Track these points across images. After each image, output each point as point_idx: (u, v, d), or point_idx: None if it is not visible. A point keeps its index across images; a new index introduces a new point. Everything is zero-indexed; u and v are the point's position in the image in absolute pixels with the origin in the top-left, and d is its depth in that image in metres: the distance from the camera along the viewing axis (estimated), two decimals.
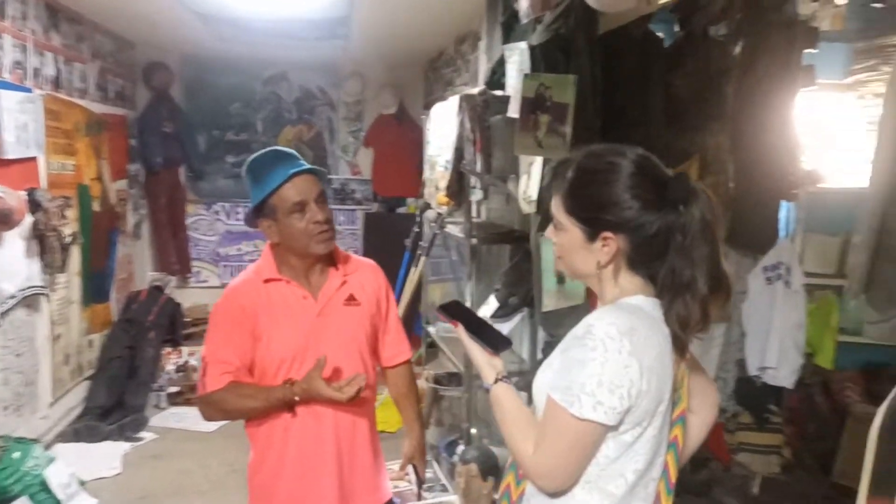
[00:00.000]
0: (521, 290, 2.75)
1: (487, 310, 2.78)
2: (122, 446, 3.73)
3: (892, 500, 1.14)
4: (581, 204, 1.16)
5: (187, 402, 4.39)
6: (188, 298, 5.56)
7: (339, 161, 6.09)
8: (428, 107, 5.93)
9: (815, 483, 3.30)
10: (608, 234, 1.13)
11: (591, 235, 1.15)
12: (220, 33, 4.79)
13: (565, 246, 1.20)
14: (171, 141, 5.46)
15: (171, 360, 4.87)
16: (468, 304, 2.95)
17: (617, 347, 1.06)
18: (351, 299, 1.71)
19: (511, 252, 2.93)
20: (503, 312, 2.79)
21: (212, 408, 1.66)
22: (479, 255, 2.99)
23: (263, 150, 1.70)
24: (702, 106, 2.96)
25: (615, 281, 1.17)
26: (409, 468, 1.90)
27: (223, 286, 5.66)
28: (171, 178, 5.54)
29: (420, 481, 1.94)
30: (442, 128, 3.25)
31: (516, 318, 2.90)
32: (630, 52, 2.81)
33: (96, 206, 4.33)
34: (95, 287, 4.30)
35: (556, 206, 1.20)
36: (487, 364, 1.29)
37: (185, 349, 4.98)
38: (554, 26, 2.43)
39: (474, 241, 2.92)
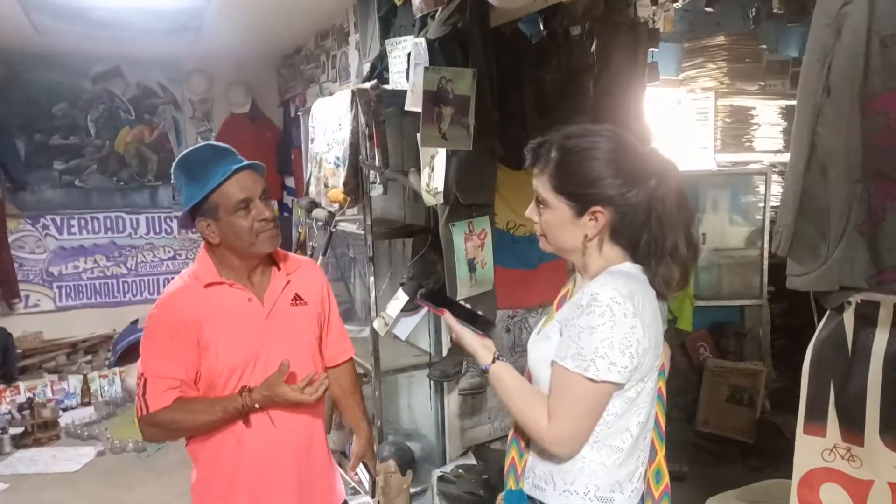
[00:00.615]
0: (428, 281, 2.78)
1: (397, 303, 2.78)
2: None
3: (824, 424, 1.34)
4: (570, 181, 1.22)
5: (37, 443, 3.86)
6: (17, 327, 4.85)
7: None
8: (283, 104, 5.74)
9: (682, 431, 3.72)
10: (597, 208, 1.20)
11: (580, 211, 1.22)
12: (37, 23, 4.22)
13: (552, 223, 1.26)
14: None
15: (6, 398, 4.24)
16: (373, 298, 2.93)
17: (622, 311, 1.14)
18: (297, 299, 1.65)
19: (414, 244, 2.94)
20: (412, 305, 2.81)
21: (158, 428, 1.50)
22: (376, 250, 2.97)
23: (197, 146, 1.58)
24: (567, 99, 3.21)
25: (599, 252, 1.25)
26: (360, 466, 1.87)
27: (59, 309, 5.18)
28: None
29: (372, 479, 1.91)
30: (327, 124, 3.16)
31: (423, 310, 2.93)
32: (503, 48, 2.95)
33: None
34: None
35: (542, 186, 1.25)
36: (481, 346, 1.32)
37: (22, 384, 4.36)
38: (451, 21, 2.48)
39: (372, 237, 2.89)
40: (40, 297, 5.22)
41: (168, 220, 5.59)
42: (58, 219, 5.22)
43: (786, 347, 4.21)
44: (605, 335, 1.13)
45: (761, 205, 4.19)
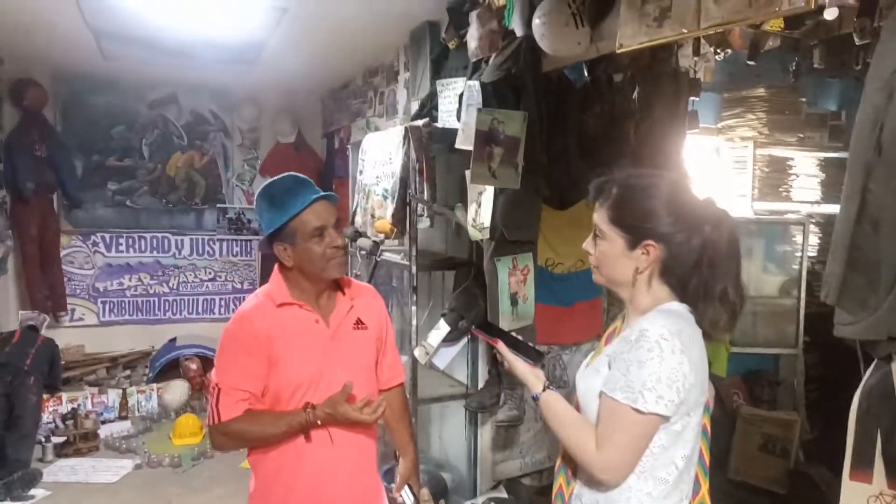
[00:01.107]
0: (470, 313, 2.85)
1: (439, 333, 2.85)
2: None
3: (871, 471, 1.38)
4: (626, 215, 1.30)
5: (77, 453, 3.96)
6: (61, 339, 4.98)
7: (235, 189, 5.86)
8: (327, 136, 5.94)
9: (713, 478, 3.67)
10: (650, 242, 1.28)
11: (633, 244, 1.30)
12: (105, 49, 4.47)
13: (606, 253, 1.34)
14: (44, 166, 4.96)
15: (49, 408, 4.38)
16: (414, 327, 3.01)
17: (670, 347, 1.21)
18: (359, 323, 1.74)
19: (457, 277, 3.03)
20: (453, 336, 2.88)
21: (228, 437, 1.59)
22: (419, 280, 3.06)
23: (281, 176, 1.69)
24: (609, 144, 3.30)
25: (648, 288, 1.32)
26: (405, 489, 1.92)
27: (102, 324, 5.35)
28: (42, 206, 5.01)
29: (417, 500, 1.96)
30: (377, 157, 3.30)
31: (462, 342, 3.00)
32: (550, 93, 3.07)
33: None
34: None
35: (601, 218, 1.34)
36: (532, 375, 1.39)
37: (64, 395, 4.50)
38: (505, 66, 2.61)
39: (415, 268, 2.98)
40: (85, 311, 5.42)
41: (211, 243, 5.77)
42: (107, 236, 5.44)
43: (819, 399, 4.16)
44: (653, 369, 1.20)
45: (798, 254, 4.20)
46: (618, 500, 1.28)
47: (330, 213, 1.64)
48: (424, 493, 2.87)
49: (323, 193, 1.64)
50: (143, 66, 4.89)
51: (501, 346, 1.43)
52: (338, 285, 1.75)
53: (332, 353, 1.66)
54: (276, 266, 1.71)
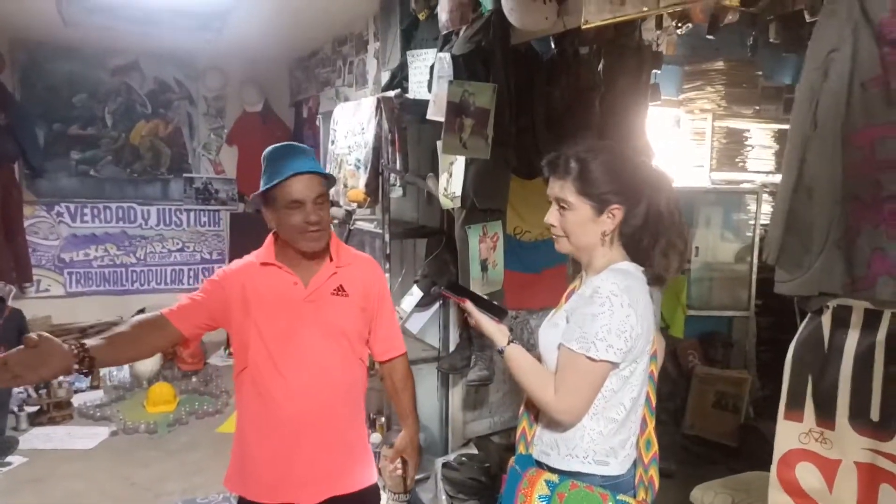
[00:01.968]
0: (442, 279, 2.97)
1: (412, 299, 2.96)
2: None
3: (802, 411, 1.55)
4: (591, 184, 1.43)
5: (51, 422, 3.99)
6: (27, 311, 4.94)
7: (201, 159, 5.82)
8: (295, 105, 5.92)
9: (670, 434, 3.92)
10: (615, 206, 1.41)
11: (600, 210, 1.43)
12: (66, 16, 4.37)
13: (575, 222, 1.46)
14: (4, 134, 4.84)
15: None
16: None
17: (619, 302, 1.36)
18: (339, 290, 1.80)
19: (428, 245, 3.13)
20: (426, 301, 2.99)
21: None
22: (392, 249, 3.15)
23: (286, 143, 1.78)
24: (574, 115, 3.40)
25: (608, 249, 1.45)
26: (398, 461, 1.96)
27: (69, 295, 5.32)
28: (4, 175, 4.90)
29: (406, 477, 1.97)
30: (349, 127, 3.35)
31: (434, 307, 3.12)
32: (518, 66, 3.15)
33: None
34: None
35: (566, 190, 1.45)
36: (498, 331, 1.52)
37: None
38: (475, 38, 2.68)
39: (388, 236, 3.08)
40: (51, 282, 5.37)
41: (178, 213, 5.74)
42: (72, 207, 5.37)
43: (770, 359, 4.42)
44: (604, 322, 1.34)
45: (752, 222, 4.42)
46: (573, 438, 1.43)
47: (312, 188, 1.69)
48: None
49: (311, 169, 1.69)
50: (105, 33, 4.78)
51: (469, 304, 1.55)
52: (328, 253, 1.81)
53: (304, 314, 1.74)
54: (272, 231, 1.80)
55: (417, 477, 3.10)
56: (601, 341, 1.34)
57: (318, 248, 1.75)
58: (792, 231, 1.53)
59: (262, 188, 1.71)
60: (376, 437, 3.33)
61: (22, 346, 1.42)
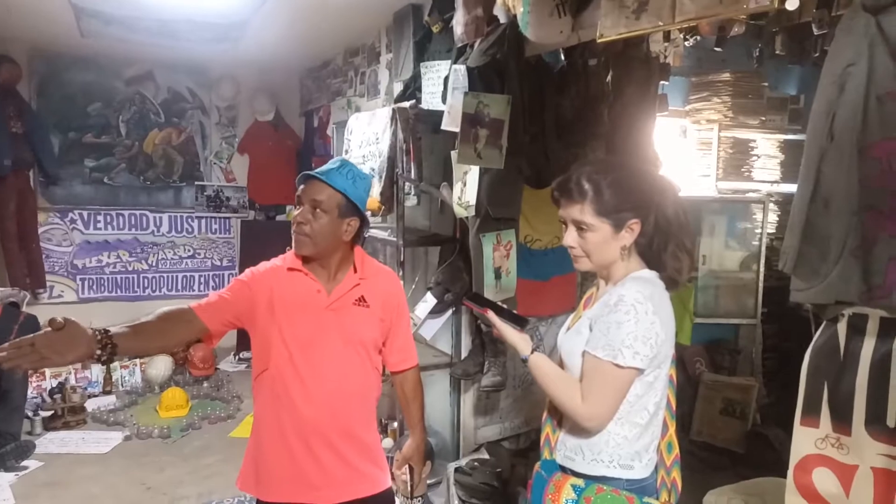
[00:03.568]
0: (456, 286, 3.01)
1: (426, 306, 3.00)
2: (5, 477, 3.35)
3: (818, 417, 1.59)
4: (609, 204, 1.46)
5: (66, 426, 4.03)
6: (40, 316, 4.97)
7: (213, 167, 5.88)
8: (306, 115, 5.98)
9: (677, 440, 3.93)
10: (633, 221, 1.45)
11: (619, 227, 1.46)
12: (85, 28, 4.45)
13: (595, 243, 1.48)
14: (20, 142, 4.91)
15: (33, 383, 4.41)
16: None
17: (644, 309, 1.39)
18: (361, 300, 1.84)
19: (442, 252, 3.18)
20: (439, 308, 3.04)
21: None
22: (405, 256, 3.20)
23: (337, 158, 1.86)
24: (583, 125, 3.46)
25: (627, 261, 1.49)
26: (406, 468, 2.01)
27: (81, 301, 5.36)
28: (20, 182, 4.97)
29: (412, 483, 2.02)
30: (363, 137, 3.41)
31: (447, 314, 3.17)
32: (529, 77, 3.21)
33: None
34: None
35: (585, 213, 1.47)
36: (521, 340, 1.56)
37: (47, 371, 4.54)
38: (490, 51, 2.74)
39: (402, 243, 3.12)
40: (64, 288, 5.42)
41: (189, 220, 5.80)
42: (85, 213, 5.43)
43: (776, 366, 4.45)
44: (630, 329, 1.38)
45: (758, 231, 4.46)
46: (598, 443, 1.46)
47: (314, 191, 1.74)
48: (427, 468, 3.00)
49: (320, 176, 1.73)
50: (120, 44, 4.86)
51: (491, 314, 1.58)
52: (352, 264, 1.86)
53: (326, 322, 1.78)
54: None
55: (430, 481, 3.14)
56: (628, 348, 1.37)
57: (302, 251, 1.78)
58: (809, 240, 1.58)
59: None
60: (388, 441, 3.37)
61: (49, 329, 1.41)
